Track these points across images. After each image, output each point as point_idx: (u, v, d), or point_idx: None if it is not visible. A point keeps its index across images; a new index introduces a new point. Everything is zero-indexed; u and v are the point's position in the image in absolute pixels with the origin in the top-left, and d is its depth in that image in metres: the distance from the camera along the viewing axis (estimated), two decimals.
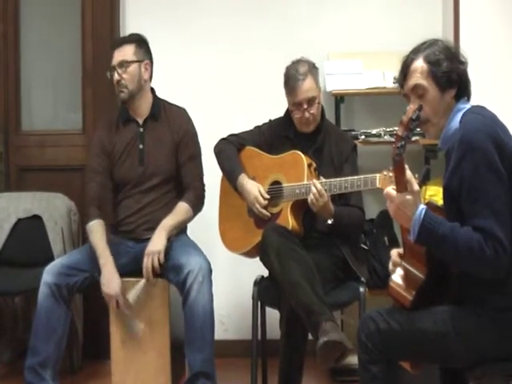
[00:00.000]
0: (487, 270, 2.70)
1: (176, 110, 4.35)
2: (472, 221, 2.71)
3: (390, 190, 2.81)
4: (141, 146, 4.25)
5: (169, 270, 4.07)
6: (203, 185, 4.29)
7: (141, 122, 4.28)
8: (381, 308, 2.99)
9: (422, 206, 2.76)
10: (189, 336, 3.97)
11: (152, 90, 4.35)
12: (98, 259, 4.06)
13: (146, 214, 4.23)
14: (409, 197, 2.76)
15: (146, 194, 4.24)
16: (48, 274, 4.02)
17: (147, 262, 4.01)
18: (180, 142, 4.25)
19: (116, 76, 4.19)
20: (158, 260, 4.01)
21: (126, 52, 4.21)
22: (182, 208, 4.18)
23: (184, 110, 4.37)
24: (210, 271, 4.03)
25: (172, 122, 4.28)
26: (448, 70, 2.89)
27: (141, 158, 4.24)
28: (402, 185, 2.77)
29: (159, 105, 4.32)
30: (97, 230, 4.15)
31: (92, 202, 4.24)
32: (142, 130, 4.27)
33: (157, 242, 4.04)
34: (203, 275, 3.96)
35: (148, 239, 4.12)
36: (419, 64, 2.92)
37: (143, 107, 4.28)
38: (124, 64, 4.18)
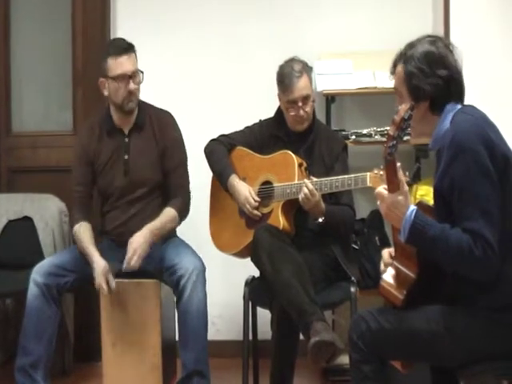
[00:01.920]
0: (476, 270, 2.71)
1: (161, 116, 4.26)
2: (462, 222, 2.72)
3: (382, 189, 2.81)
4: (126, 157, 4.17)
5: (162, 271, 4.07)
6: (189, 193, 4.25)
7: (126, 131, 4.20)
8: (372, 308, 2.99)
9: (413, 207, 2.76)
10: (183, 335, 3.97)
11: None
12: (89, 260, 4.03)
13: (134, 224, 4.16)
14: (400, 197, 2.76)
15: (133, 204, 4.19)
16: (37, 274, 4.01)
17: (129, 253, 4.00)
18: (166, 150, 4.18)
19: (132, 85, 4.06)
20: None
21: (135, 60, 4.10)
22: (168, 214, 4.14)
23: (169, 114, 4.28)
24: (204, 270, 4.03)
25: (157, 130, 4.20)
26: (416, 86, 2.87)
27: (126, 169, 4.17)
28: (393, 184, 2.76)
29: (145, 112, 4.22)
30: (83, 234, 4.12)
31: (75, 206, 4.23)
32: (127, 140, 4.19)
33: (140, 243, 4.00)
34: (197, 274, 3.95)
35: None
36: (399, 69, 2.94)
37: (131, 117, 4.21)
38: (137, 73, 4.09)
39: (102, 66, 4.11)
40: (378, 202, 2.83)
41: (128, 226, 4.16)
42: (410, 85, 2.89)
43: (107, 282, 3.95)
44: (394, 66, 2.96)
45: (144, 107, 4.24)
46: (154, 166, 4.18)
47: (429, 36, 2.98)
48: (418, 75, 2.88)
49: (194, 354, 3.94)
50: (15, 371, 4.01)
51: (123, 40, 4.18)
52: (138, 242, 3.99)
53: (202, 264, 4.04)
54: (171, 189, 4.20)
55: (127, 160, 4.17)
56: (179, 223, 4.23)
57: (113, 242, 4.22)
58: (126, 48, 4.08)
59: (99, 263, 3.97)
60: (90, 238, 4.10)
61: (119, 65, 4.05)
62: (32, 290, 3.99)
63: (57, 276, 4.03)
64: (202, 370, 3.96)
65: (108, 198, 4.25)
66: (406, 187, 2.79)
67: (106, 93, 4.14)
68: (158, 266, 4.07)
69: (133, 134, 4.19)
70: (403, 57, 2.93)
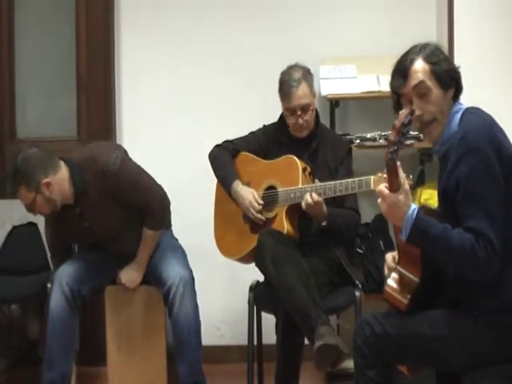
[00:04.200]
0: (478, 270, 2.70)
1: (93, 162, 4.01)
2: (465, 221, 2.71)
3: (383, 187, 2.80)
4: (86, 224, 4.08)
5: (153, 280, 4.11)
6: (160, 203, 4.11)
7: (72, 202, 4.06)
8: (377, 312, 2.98)
9: (414, 206, 2.75)
10: (176, 348, 3.99)
11: (66, 164, 4.05)
12: None
13: (125, 251, 4.17)
14: (401, 196, 2.74)
15: (115, 244, 4.16)
16: (63, 283, 3.98)
17: (120, 282, 4.13)
18: (115, 190, 4.00)
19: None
20: None
21: (22, 196, 3.97)
22: (148, 236, 4.11)
23: (96, 150, 4.11)
24: (192, 280, 4.02)
25: (97, 181, 3.99)
26: (449, 69, 2.90)
27: (92, 233, 4.10)
28: (394, 185, 2.75)
29: (79, 176, 4.01)
30: None
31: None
32: (78, 210, 4.06)
33: (133, 278, 4.13)
34: (184, 286, 3.95)
35: (130, 258, 4.16)
36: (420, 64, 2.89)
37: (66, 195, 4.03)
38: (30, 205, 3.99)
39: None
40: (379, 201, 2.82)
41: (120, 256, 4.19)
42: (440, 71, 2.88)
43: None
44: (406, 68, 2.92)
45: (76, 171, 4.03)
46: (115, 212, 4.08)
47: (424, 42, 2.99)
48: (444, 61, 2.90)
49: (188, 366, 3.96)
50: None
51: (12, 174, 3.98)
52: (128, 276, 4.13)
53: (189, 274, 4.03)
54: (141, 208, 4.08)
55: (89, 226, 4.09)
56: (163, 226, 4.19)
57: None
58: (12, 188, 3.99)
59: None
60: None
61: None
62: (57, 301, 3.97)
63: (80, 285, 4.02)
64: (196, 382, 3.98)
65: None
66: (407, 185, 2.77)
67: None
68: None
69: (80, 202, 4.05)
70: (415, 54, 2.91)
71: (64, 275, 4.01)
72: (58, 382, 3.96)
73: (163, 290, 3.98)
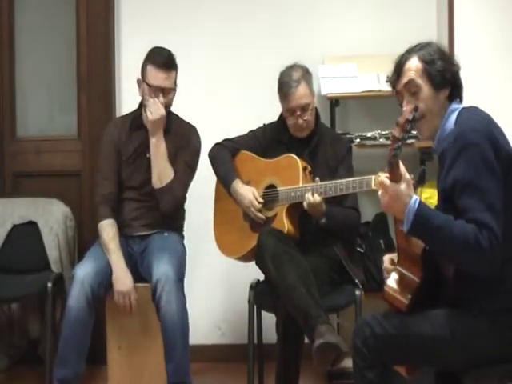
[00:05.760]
0: (481, 262, 2.68)
1: (187, 127, 4.35)
2: (466, 214, 2.70)
3: (385, 179, 2.79)
4: (148, 155, 4.22)
5: (146, 275, 4.10)
6: (180, 196, 4.26)
7: None
8: (376, 312, 2.97)
9: (416, 197, 2.74)
10: (163, 345, 3.97)
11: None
12: (110, 256, 4.06)
13: (146, 217, 4.23)
14: (403, 186, 2.74)
15: (147, 199, 4.23)
16: (86, 283, 3.95)
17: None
18: (177, 152, 4.24)
19: (161, 99, 4.15)
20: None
21: (173, 78, 4.21)
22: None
23: (194, 128, 4.36)
24: (179, 279, 4.00)
25: (180, 137, 4.27)
26: (442, 69, 2.90)
27: (147, 166, 4.21)
28: (396, 176, 2.74)
29: (171, 119, 4.29)
30: (109, 228, 4.15)
31: (104, 200, 4.22)
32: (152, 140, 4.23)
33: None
34: (170, 285, 3.93)
35: (140, 236, 4.20)
36: (413, 63, 2.92)
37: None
38: (167, 90, 4.18)
39: (142, 68, 4.24)
40: (380, 192, 2.81)
41: (140, 220, 4.23)
42: (433, 70, 2.89)
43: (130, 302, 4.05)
44: (401, 65, 2.94)
45: (172, 115, 4.31)
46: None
47: (427, 41, 3.00)
48: (439, 61, 2.91)
49: (173, 365, 3.94)
50: (55, 382, 3.95)
51: (169, 54, 4.25)
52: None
53: (176, 273, 4.00)
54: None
55: (149, 158, 4.22)
56: (167, 207, 4.24)
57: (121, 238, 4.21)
58: (172, 64, 4.21)
59: (126, 276, 4.06)
60: (115, 235, 4.14)
61: (156, 72, 4.16)
62: (77, 300, 3.94)
63: (100, 287, 4.01)
64: (182, 382, 3.97)
65: (126, 190, 4.28)
66: (408, 176, 2.78)
67: (139, 92, 4.24)
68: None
69: None
70: (413, 52, 2.93)
71: (86, 276, 3.98)
72: (71, 379, 3.94)
73: (151, 286, 3.97)
